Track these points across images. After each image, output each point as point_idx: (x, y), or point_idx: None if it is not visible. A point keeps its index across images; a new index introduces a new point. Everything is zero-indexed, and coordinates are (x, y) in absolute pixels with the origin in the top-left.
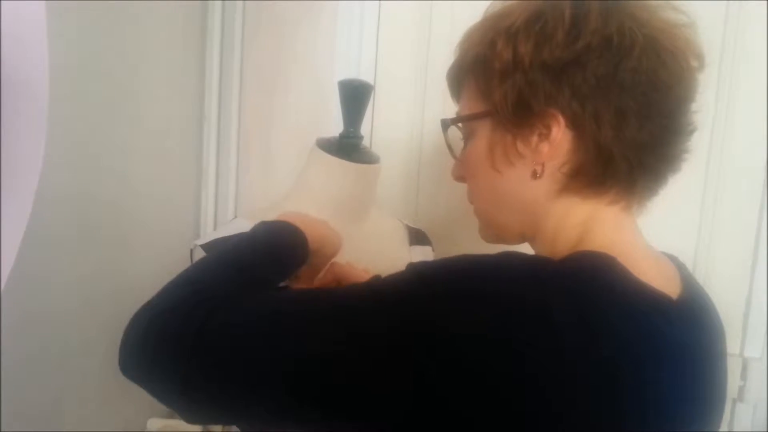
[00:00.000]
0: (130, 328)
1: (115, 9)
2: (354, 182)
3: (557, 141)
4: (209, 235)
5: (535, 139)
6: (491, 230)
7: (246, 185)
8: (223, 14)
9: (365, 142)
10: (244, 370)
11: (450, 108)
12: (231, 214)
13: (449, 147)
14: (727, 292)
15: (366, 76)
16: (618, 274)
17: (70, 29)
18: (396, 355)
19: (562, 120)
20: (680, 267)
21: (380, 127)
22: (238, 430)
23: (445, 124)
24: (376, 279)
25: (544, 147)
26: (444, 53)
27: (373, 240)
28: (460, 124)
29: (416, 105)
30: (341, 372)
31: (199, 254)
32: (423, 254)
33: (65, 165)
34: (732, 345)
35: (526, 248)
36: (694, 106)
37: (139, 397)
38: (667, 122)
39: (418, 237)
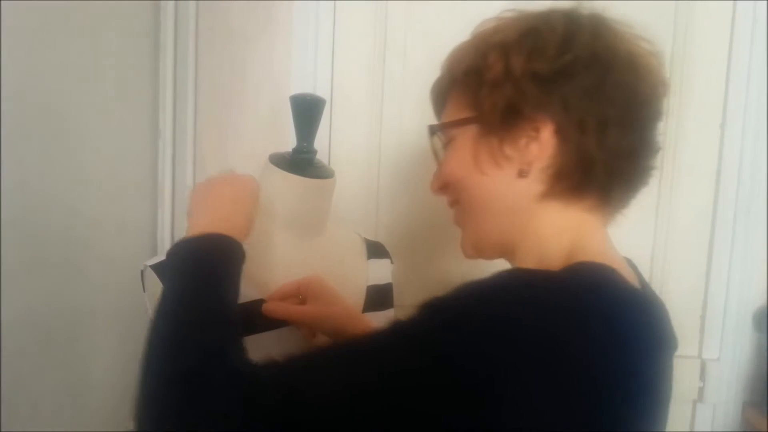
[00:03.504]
0: None
1: (63, 23)
2: (308, 197)
3: (545, 143)
4: (160, 255)
5: (523, 141)
6: (472, 239)
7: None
8: (175, 29)
9: (323, 156)
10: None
11: (407, 119)
12: None
13: (434, 152)
14: (684, 296)
15: (322, 91)
16: (621, 284)
17: (14, 44)
18: (422, 392)
19: (551, 124)
20: (634, 268)
21: (338, 140)
22: None
23: (433, 130)
24: (396, 322)
25: (533, 148)
26: (400, 66)
27: (330, 254)
28: (440, 132)
29: (374, 118)
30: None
31: (150, 276)
32: (381, 267)
33: (9, 188)
34: (690, 347)
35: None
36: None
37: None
38: (644, 135)
39: (376, 250)
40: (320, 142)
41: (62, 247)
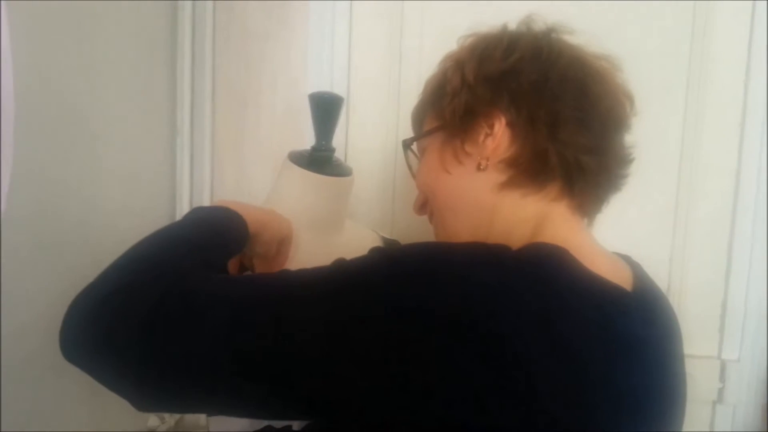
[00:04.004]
0: (75, 309)
1: (82, 23)
2: (326, 195)
3: (499, 136)
4: None
5: (481, 137)
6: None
7: (220, 199)
8: (193, 28)
9: (340, 154)
10: (202, 352)
11: None
12: None
13: (409, 166)
14: (703, 296)
15: (338, 89)
16: (570, 264)
17: (34, 43)
18: (365, 335)
19: (503, 119)
20: (633, 265)
21: (355, 138)
22: None
23: (405, 144)
24: (341, 261)
25: (489, 142)
26: (416, 64)
27: (347, 252)
28: (414, 147)
29: (390, 115)
30: (306, 356)
31: None
32: None
33: (30, 185)
34: (709, 347)
35: None
36: (628, 139)
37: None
38: (604, 134)
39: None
40: (337, 140)
41: (81, 244)
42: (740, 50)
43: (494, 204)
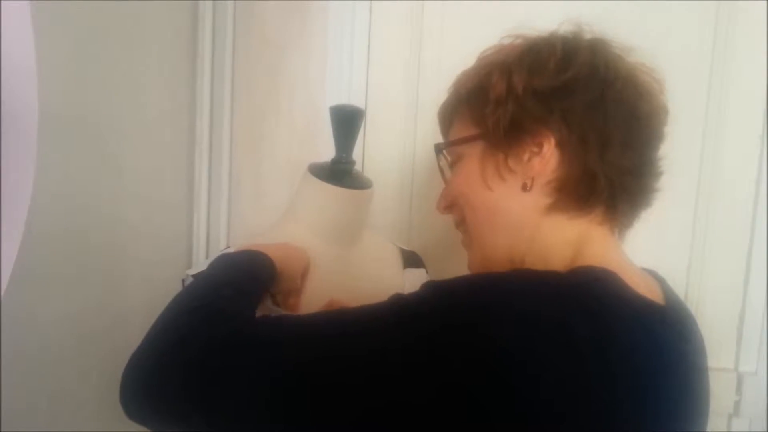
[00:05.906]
0: (132, 375)
1: (104, 37)
2: (346, 208)
3: (547, 157)
4: (201, 264)
5: (526, 156)
6: (479, 256)
7: (238, 213)
8: (213, 40)
9: (357, 165)
10: (262, 393)
11: None
12: (223, 244)
13: (441, 170)
14: (721, 307)
15: (357, 101)
16: (618, 287)
17: (54, 57)
18: (415, 369)
19: (552, 139)
20: (661, 281)
21: (372, 150)
22: None
23: (439, 148)
24: (396, 296)
25: (536, 162)
26: (435, 77)
27: (366, 264)
28: (445, 151)
29: (408, 128)
30: (361, 390)
31: None
32: (417, 277)
33: (52, 201)
34: (726, 360)
35: None
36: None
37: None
38: (646, 153)
39: (411, 259)
40: (354, 151)
41: (103, 257)
42: (762, 61)
43: (537, 225)
